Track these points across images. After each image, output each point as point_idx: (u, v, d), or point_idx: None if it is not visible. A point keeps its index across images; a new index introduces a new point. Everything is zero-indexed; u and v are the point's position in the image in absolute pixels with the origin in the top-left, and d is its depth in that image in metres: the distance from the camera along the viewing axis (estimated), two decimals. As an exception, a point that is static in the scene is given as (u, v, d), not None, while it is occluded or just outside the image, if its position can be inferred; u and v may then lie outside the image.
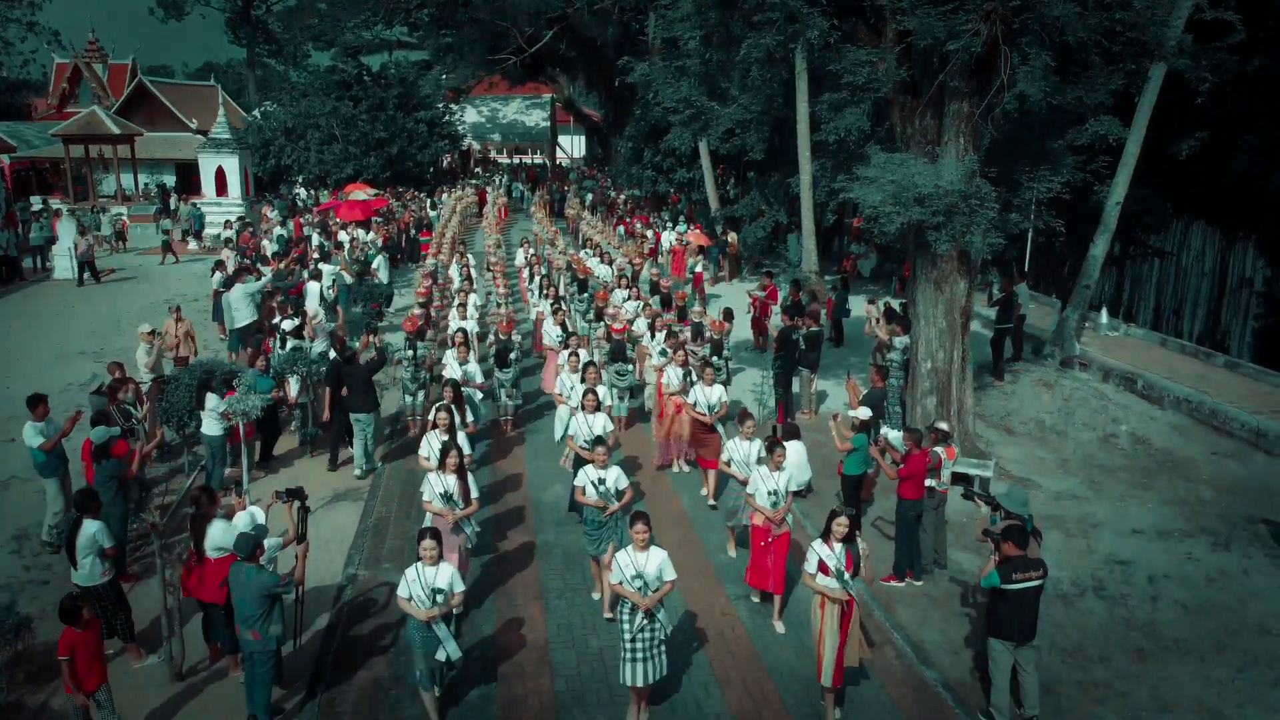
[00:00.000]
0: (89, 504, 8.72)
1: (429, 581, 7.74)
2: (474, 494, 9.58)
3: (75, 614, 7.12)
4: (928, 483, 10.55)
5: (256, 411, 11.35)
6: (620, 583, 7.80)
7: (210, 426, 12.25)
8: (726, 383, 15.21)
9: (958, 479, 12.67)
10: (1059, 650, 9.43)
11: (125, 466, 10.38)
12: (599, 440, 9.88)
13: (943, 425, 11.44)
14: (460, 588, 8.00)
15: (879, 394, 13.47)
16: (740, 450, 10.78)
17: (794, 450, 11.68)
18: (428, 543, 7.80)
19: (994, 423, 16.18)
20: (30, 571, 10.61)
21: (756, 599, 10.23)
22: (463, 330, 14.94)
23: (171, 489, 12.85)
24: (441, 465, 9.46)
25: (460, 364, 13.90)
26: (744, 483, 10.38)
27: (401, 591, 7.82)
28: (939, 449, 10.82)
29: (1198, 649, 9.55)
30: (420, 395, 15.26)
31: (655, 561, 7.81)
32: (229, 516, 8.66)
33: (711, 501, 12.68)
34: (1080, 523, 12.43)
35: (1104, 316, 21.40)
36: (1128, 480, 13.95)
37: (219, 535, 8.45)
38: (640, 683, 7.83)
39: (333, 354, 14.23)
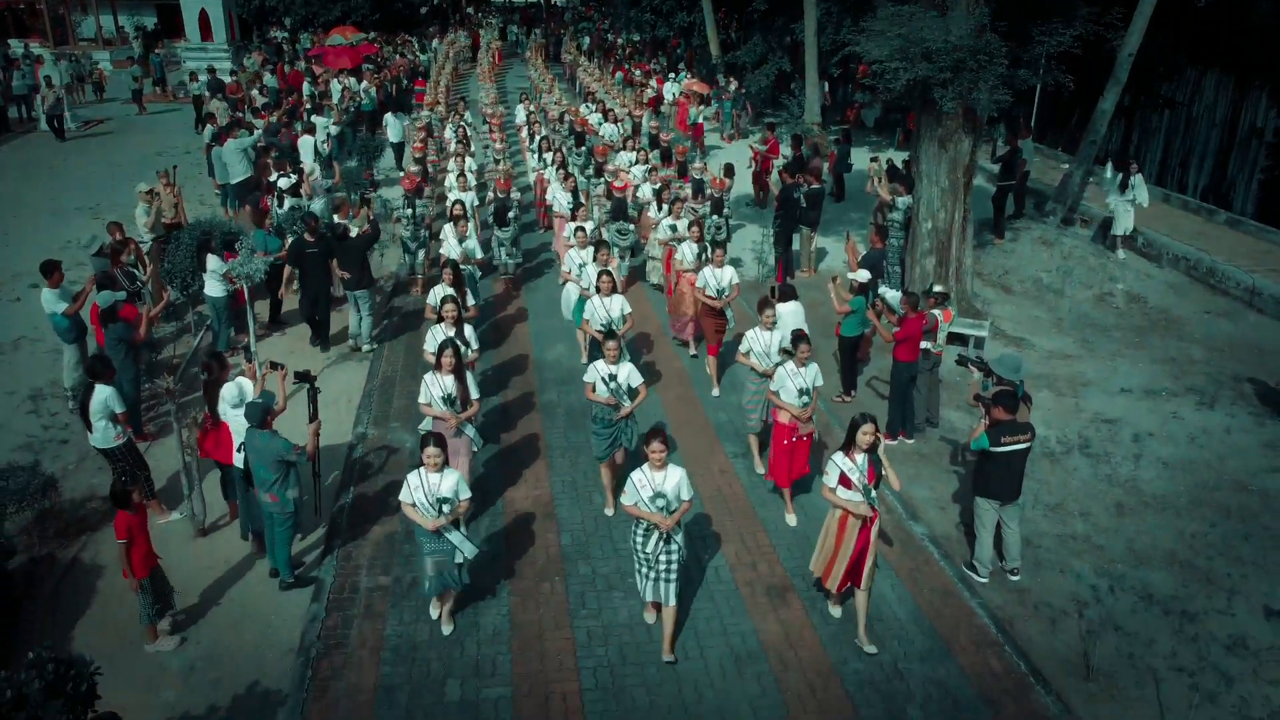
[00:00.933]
0: (100, 370, 8.91)
1: (433, 489, 7.30)
2: (474, 394, 9.08)
3: (126, 498, 7.33)
4: (923, 345, 10.74)
5: (260, 275, 11.42)
6: (636, 504, 7.30)
7: (213, 288, 12.35)
8: (727, 240, 15.25)
9: (954, 339, 12.90)
10: (1042, 505, 9.85)
11: (133, 330, 10.52)
12: (610, 333, 9.33)
13: (940, 288, 11.54)
14: (466, 494, 7.56)
15: (878, 255, 13.50)
16: (760, 341, 9.95)
17: (791, 311, 11.83)
18: (431, 450, 7.26)
19: (992, 281, 16.29)
20: (50, 431, 10.93)
21: (790, 516, 9.63)
22: (461, 203, 14.21)
23: (179, 349, 13.05)
24: (437, 365, 8.85)
25: (460, 240, 13.40)
26: (763, 375, 9.81)
27: (404, 497, 7.40)
28: (936, 312, 10.97)
29: (1175, 504, 9.98)
30: (420, 254, 15.31)
31: (675, 480, 7.30)
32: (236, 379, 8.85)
33: (715, 391, 12.21)
34: (1071, 382, 12.72)
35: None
36: (1120, 339, 14.18)
37: (223, 399, 8.66)
38: (656, 599, 7.60)
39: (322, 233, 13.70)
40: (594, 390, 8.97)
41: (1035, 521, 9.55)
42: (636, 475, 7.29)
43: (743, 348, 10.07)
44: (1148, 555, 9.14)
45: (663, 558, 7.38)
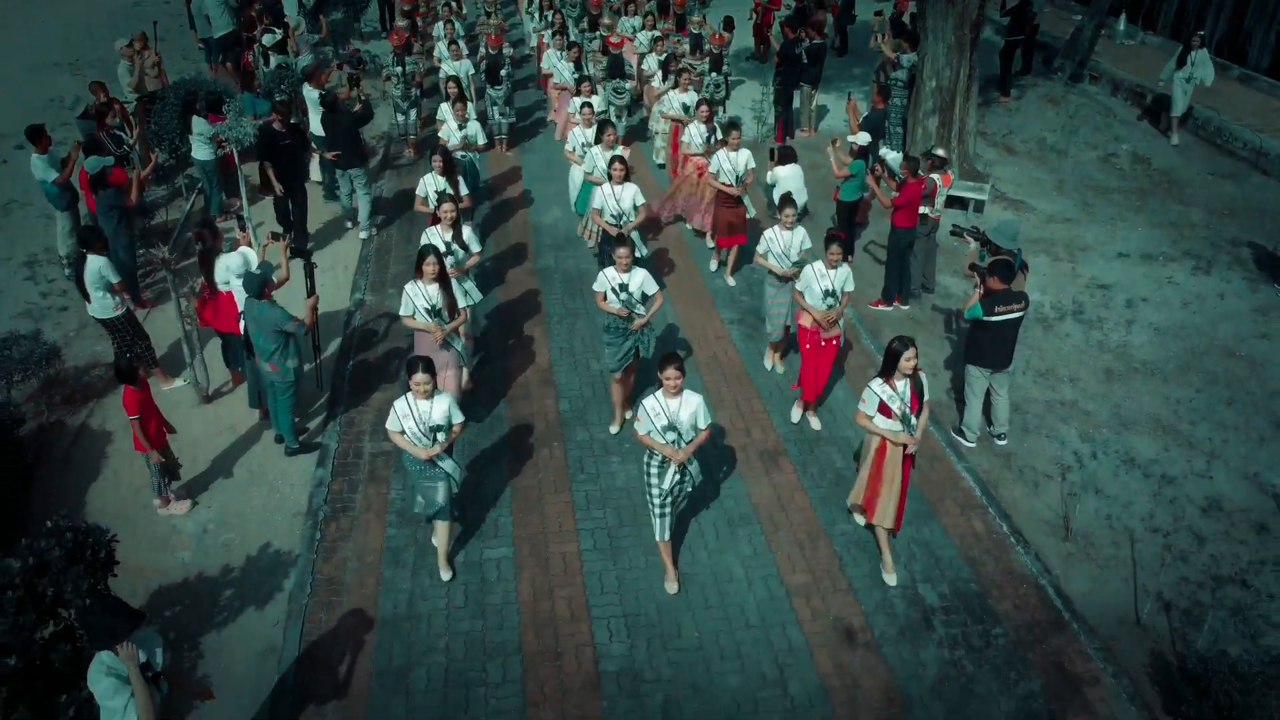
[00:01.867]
0: (93, 240, 8.86)
1: (424, 418, 6.73)
2: (462, 302, 8.50)
3: (132, 373, 7.38)
4: (921, 210, 10.66)
5: (249, 138, 11.21)
6: (649, 433, 6.80)
7: (201, 151, 12.15)
8: (725, 98, 14.89)
9: (953, 203, 12.79)
10: (1033, 371, 10.01)
11: (124, 195, 10.41)
12: (621, 239, 8.47)
13: (940, 152, 11.37)
14: (459, 418, 6.99)
15: (879, 116, 13.21)
16: (780, 241, 9.08)
17: (791, 173, 11.69)
18: (419, 376, 6.64)
19: (995, 141, 16.01)
20: (49, 299, 10.96)
21: (795, 411, 9.31)
22: (456, 79, 12.61)
23: (172, 213, 12.93)
24: (418, 273, 8.08)
25: (460, 126, 11.98)
26: (783, 278, 9.14)
27: (392, 425, 6.80)
28: (935, 176, 10.84)
29: (1163, 370, 10.13)
30: (412, 114, 14.98)
31: (690, 408, 6.75)
32: (235, 249, 8.82)
33: (730, 281, 11.57)
34: (1069, 246, 12.69)
35: (1121, 24, 20.45)
36: (1121, 202, 14.05)
37: (226, 269, 8.66)
38: (664, 538, 7.25)
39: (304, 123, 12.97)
40: (604, 300, 8.29)
41: (1025, 387, 9.72)
42: (649, 402, 6.74)
43: (760, 249, 9.22)
44: (1133, 420, 9.34)
45: (675, 490, 7.01)
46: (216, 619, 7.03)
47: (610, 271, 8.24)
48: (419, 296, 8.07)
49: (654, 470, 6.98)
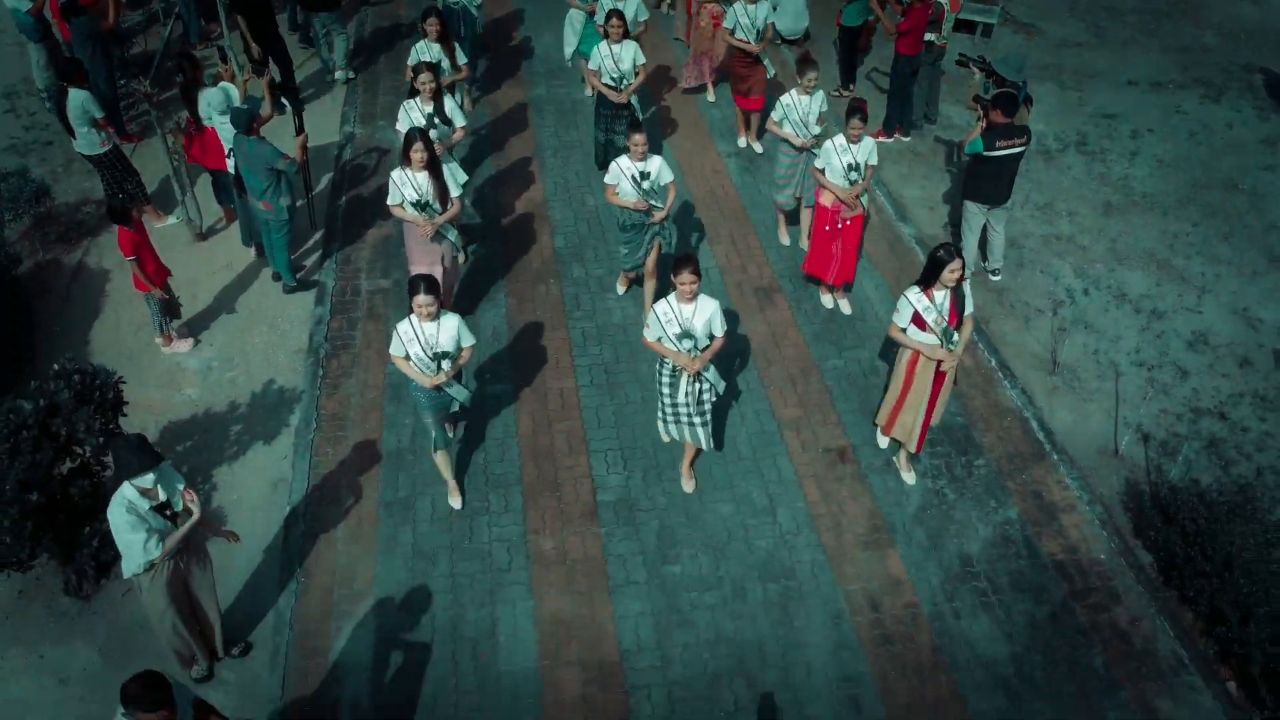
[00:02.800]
0: (73, 73, 8.60)
1: (430, 342, 6.09)
2: (454, 191, 7.56)
3: (125, 214, 7.29)
4: (927, 37, 10.30)
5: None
6: (660, 340, 6.33)
7: (178, -27, 11.60)
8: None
9: (961, 27, 12.34)
10: (1031, 205, 9.94)
11: (99, 20, 10.02)
12: (635, 124, 7.63)
13: (949, -28, 10.86)
14: (469, 340, 6.32)
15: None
16: (798, 108, 8.39)
17: (791, -2, 11.20)
18: (422, 299, 5.95)
19: (1008, -42, 15.25)
20: (31, 132, 10.72)
21: (827, 297, 8.74)
22: None
23: (151, 42, 12.47)
24: (405, 160, 7.29)
25: None
26: (800, 149, 8.54)
27: (395, 350, 6.19)
28: (942, 0, 10.40)
29: (1162, 204, 10.06)
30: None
31: (705, 314, 6.25)
32: (217, 83, 8.58)
33: (757, 147, 10.72)
34: (1077, 73, 12.33)
35: None
36: (1135, 25, 13.55)
37: (208, 104, 8.45)
38: (683, 439, 6.81)
39: None
40: (618, 193, 7.57)
41: (1022, 222, 9.68)
42: (661, 307, 6.24)
43: (775, 115, 8.53)
44: (1127, 255, 9.36)
45: (689, 398, 6.52)
46: (227, 453, 7.27)
47: (625, 160, 7.50)
48: (406, 186, 7.30)
49: (666, 379, 6.52)
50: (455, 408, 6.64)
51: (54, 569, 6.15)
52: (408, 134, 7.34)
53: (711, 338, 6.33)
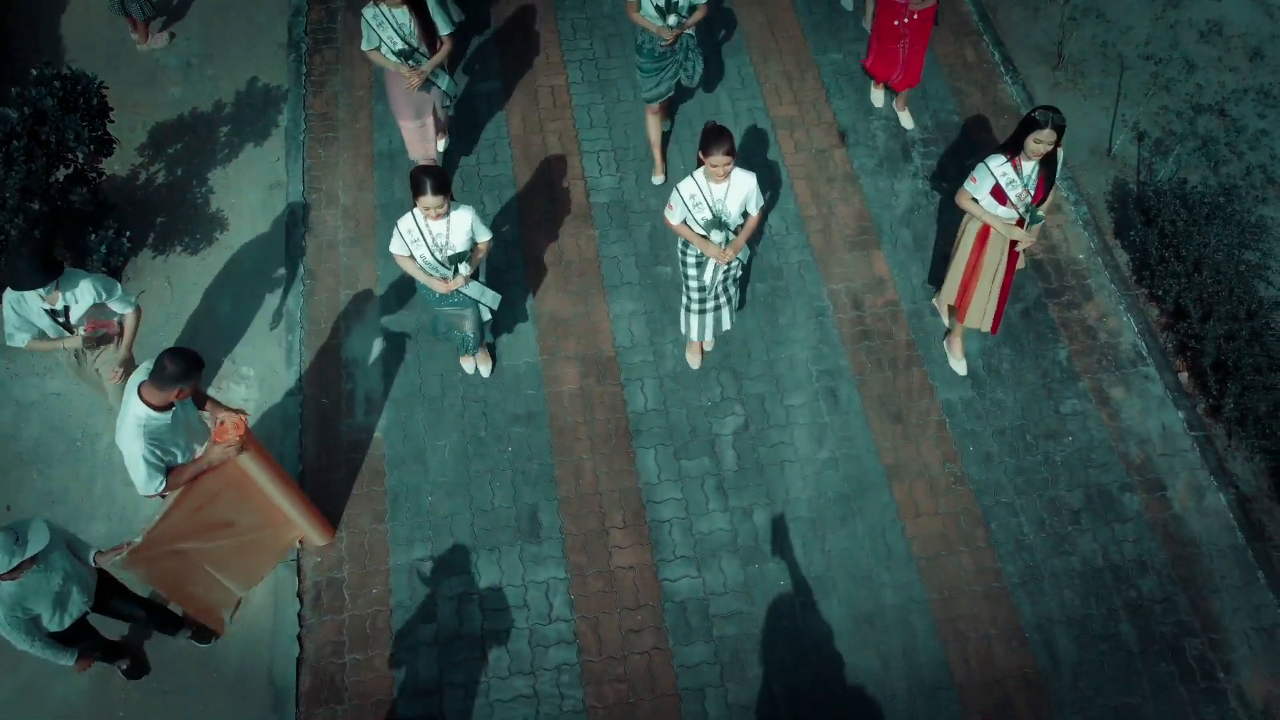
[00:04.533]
0: None
1: (439, 243, 5.21)
2: (443, 29, 6.16)
3: None
4: None
5: None
6: (685, 222, 5.42)
7: None
8: None
9: None
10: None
11: None
12: None
13: None
14: (485, 235, 5.39)
15: None
16: None
17: None
18: (430, 199, 4.97)
19: None
20: None
21: (878, 94, 7.64)
22: None
23: None
24: None
25: None
26: None
27: (396, 248, 5.27)
28: None
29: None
30: None
31: (740, 194, 5.30)
32: None
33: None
34: None
35: None
36: None
37: None
38: (703, 337, 6.11)
39: None
40: (638, 9, 6.20)
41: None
42: (687, 188, 5.26)
43: None
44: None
45: (716, 285, 5.79)
46: (219, 155, 7.26)
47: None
48: (384, 26, 5.96)
49: (691, 261, 5.69)
50: (486, 315, 5.84)
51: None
52: None
53: (745, 215, 5.48)
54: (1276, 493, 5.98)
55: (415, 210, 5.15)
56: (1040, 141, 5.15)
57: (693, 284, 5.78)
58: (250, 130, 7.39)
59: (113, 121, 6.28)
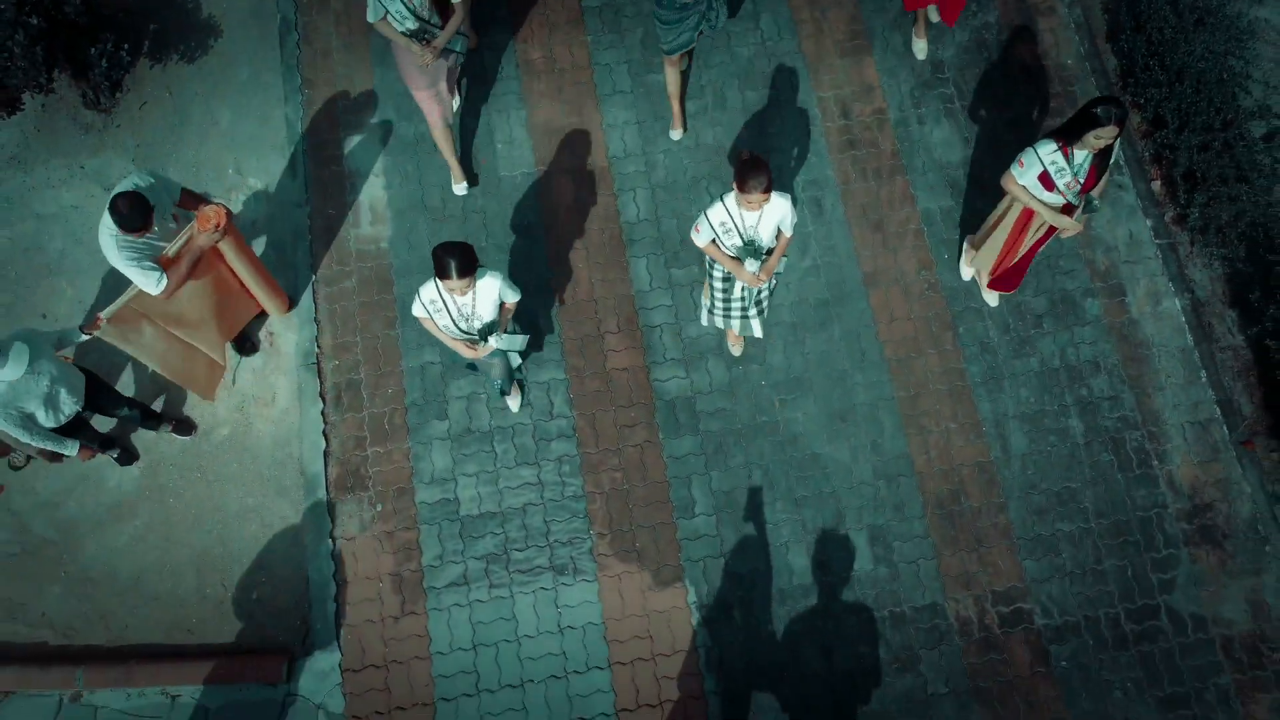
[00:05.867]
0: None
1: (465, 313, 4.88)
2: None
3: None
4: None
5: None
6: (714, 241, 5.14)
7: None
8: None
9: None
10: None
11: None
12: None
13: None
14: (513, 296, 4.95)
15: None
16: None
17: None
18: (455, 282, 4.53)
19: None
20: None
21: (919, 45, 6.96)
22: None
23: None
24: None
25: None
26: None
27: (418, 313, 4.93)
28: None
29: None
30: None
31: (774, 218, 4.97)
32: None
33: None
34: None
35: None
36: None
37: None
38: (732, 328, 5.89)
39: None
40: None
41: None
42: (718, 215, 4.96)
43: None
44: None
45: (751, 294, 5.58)
46: (205, -44, 7.14)
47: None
48: (393, 1, 5.38)
49: (718, 275, 5.49)
50: (516, 362, 5.64)
51: (72, 86, 6.47)
52: None
53: (777, 243, 5.21)
54: (1229, 297, 6.39)
55: (436, 280, 4.80)
56: (1101, 138, 4.88)
57: (718, 295, 5.62)
58: (235, -69, 7.22)
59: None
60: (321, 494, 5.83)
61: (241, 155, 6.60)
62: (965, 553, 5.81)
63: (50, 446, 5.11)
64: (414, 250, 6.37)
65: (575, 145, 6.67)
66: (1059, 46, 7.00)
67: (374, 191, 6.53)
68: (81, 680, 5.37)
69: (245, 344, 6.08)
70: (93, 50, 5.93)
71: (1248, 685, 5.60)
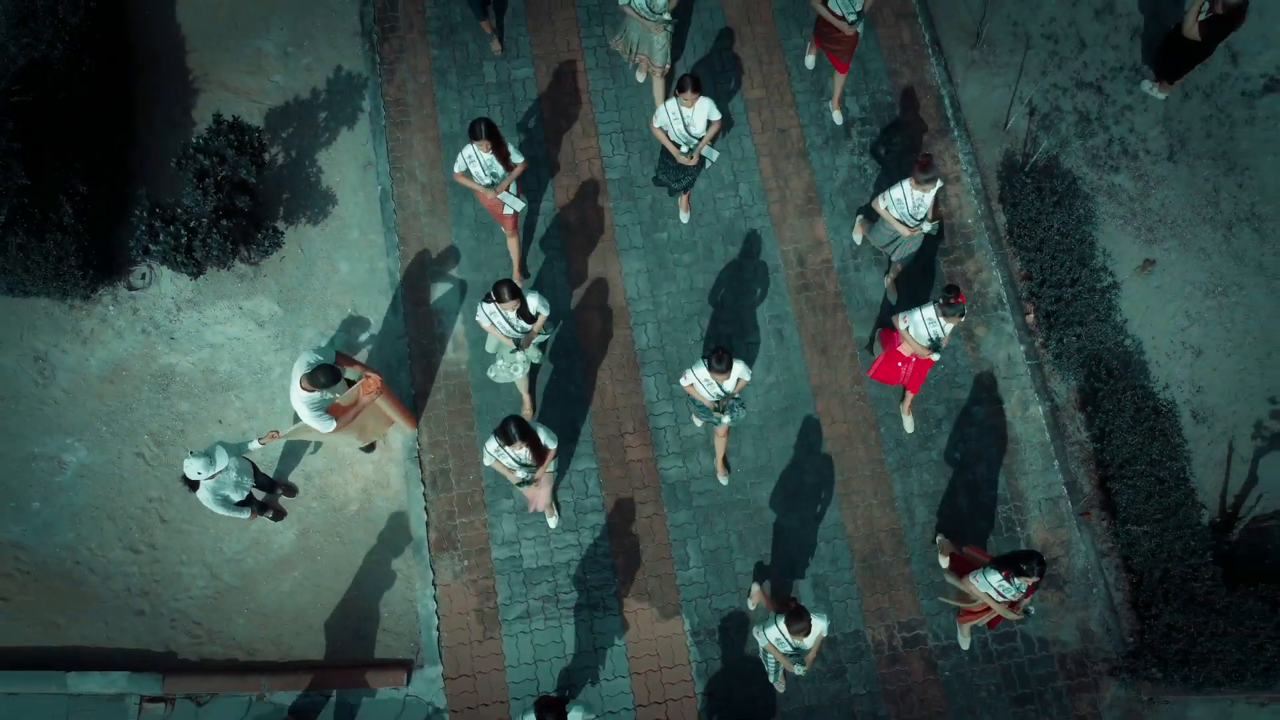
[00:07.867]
0: None
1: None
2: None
3: None
4: None
5: None
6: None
7: None
8: None
9: None
10: None
11: None
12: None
13: None
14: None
15: None
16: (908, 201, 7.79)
17: None
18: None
19: None
20: None
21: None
22: None
23: None
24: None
25: None
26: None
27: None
28: None
29: None
30: None
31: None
32: None
33: (836, 112, 9.63)
34: None
35: None
36: None
37: None
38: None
39: None
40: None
41: None
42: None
43: (881, 204, 8.01)
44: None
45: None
46: (321, 138, 9.46)
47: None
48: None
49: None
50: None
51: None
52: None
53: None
54: (1079, 403, 8.77)
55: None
56: (1022, 595, 6.84)
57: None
58: (342, 114, 9.54)
59: (267, 161, 8.47)
60: (425, 552, 8.22)
61: (357, 297, 8.96)
62: (880, 594, 8.22)
63: (235, 515, 7.45)
64: (486, 370, 8.74)
65: (600, 289, 9.02)
66: (963, 209, 9.35)
67: (455, 325, 8.89)
68: (266, 685, 7.78)
69: (369, 445, 8.46)
70: (258, 234, 8.29)
71: (1075, 688, 8.03)
